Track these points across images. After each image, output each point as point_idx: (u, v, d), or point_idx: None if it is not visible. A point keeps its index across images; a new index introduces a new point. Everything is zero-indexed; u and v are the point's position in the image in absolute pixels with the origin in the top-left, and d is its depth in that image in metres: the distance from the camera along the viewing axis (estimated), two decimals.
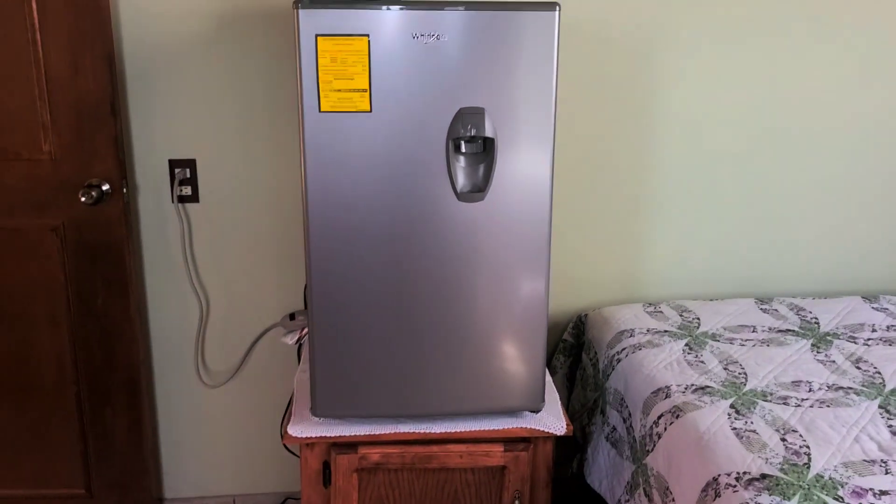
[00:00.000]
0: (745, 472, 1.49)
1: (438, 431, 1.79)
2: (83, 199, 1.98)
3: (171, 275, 2.25)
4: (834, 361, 1.95)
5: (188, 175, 2.18)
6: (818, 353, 2.00)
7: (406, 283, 1.71)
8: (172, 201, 2.19)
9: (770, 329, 2.14)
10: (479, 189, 1.66)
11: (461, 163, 1.65)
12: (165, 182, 2.18)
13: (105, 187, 2.03)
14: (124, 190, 2.07)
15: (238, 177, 2.19)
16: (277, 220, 2.24)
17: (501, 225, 1.69)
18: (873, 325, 2.16)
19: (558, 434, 1.81)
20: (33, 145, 2.00)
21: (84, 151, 2.01)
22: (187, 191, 2.19)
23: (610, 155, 2.27)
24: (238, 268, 2.27)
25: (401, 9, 1.55)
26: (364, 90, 1.58)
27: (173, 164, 2.17)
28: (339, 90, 1.58)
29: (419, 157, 1.63)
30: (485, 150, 1.65)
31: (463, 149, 1.65)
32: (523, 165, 1.66)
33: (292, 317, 2.24)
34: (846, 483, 1.45)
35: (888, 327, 2.14)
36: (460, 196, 1.66)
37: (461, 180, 1.66)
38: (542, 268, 1.73)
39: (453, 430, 1.79)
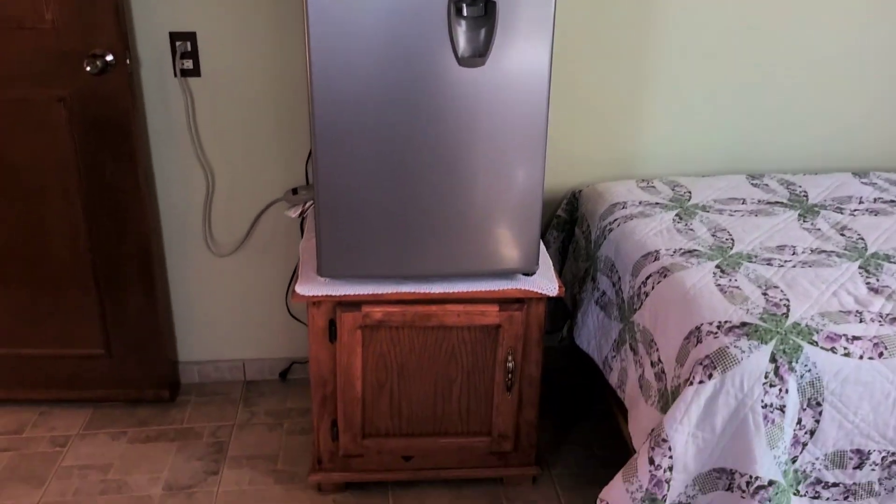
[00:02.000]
0: (726, 321, 1.59)
1: (437, 291, 1.88)
2: (88, 68, 2.01)
3: (177, 148, 2.30)
4: (819, 229, 2.02)
5: (189, 48, 2.20)
6: (804, 221, 2.07)
7: (408, 149, 1.76)
8: (175, 75, 2.22)
9: (759, 201, 2.21)
10: (480, 54, 1.69)
11: (462, 27, 1.67)
12: (167, 55, 2.20)
13: (109, 58, 2.06)
14: (128, 61, 2.09)
15: (238, 50, 2.21)
16: (279, 95, 2.27)
17: (502, 91, 1.73)
18: (860, 197, 2.23)
19: (551, 295, 1.90)
20: (35, 14, 2.01)
21: (85, 21, 2.03)
22: (189, 64, 2.22)
23: (607, 33, 2.28)
24: (241, 142, 2.31)
25: None
26: None
27: (174, 36, 2.18)
28: None
29: (421, 21, 1.65)
30: (486, 14, 1.67)
31: (465, 12, 1.67)
32: (524, 31, 1.68)
33: (295, 191, 2.30)
34: (821, 329, 1.55)
35: (875, 199, 2.21)
36: (461, 61, 1.69)
37: (462, 45, 1.68)
38: (539, 132, 1.77)
39: (451, 291, 1.88)
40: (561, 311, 2.41)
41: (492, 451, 2.05)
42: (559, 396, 2.52)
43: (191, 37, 2.19)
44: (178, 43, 2.19)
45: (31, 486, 2.11)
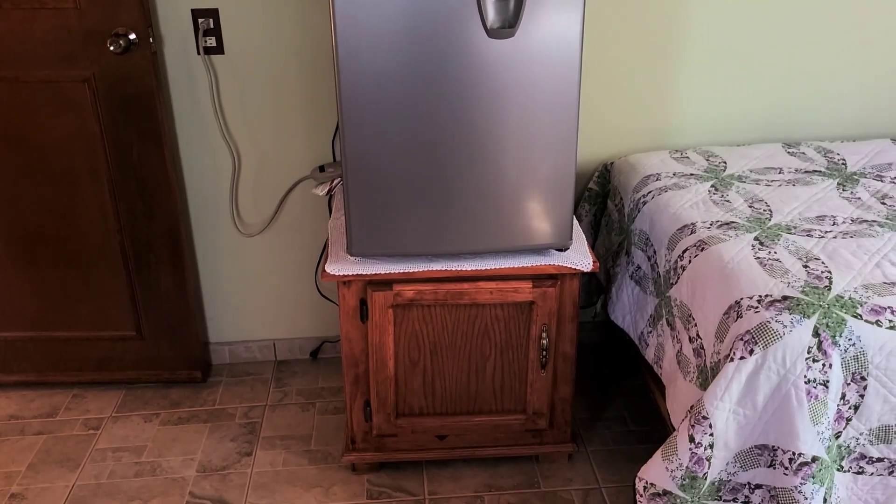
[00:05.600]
0: (766, 295, 1.55)
1: (469, 269, 1.85)
2: (111, 47, 1.99)
3: (202, 128, 2.28)
4: (859, 198, 1.97)
5: (212, 25, 2.17)
6: (844, 190, 2.01)
7: (436, 123, 1.72)
8: (198, 53, 2.19)
9: (797, 170, 2.15)
10: (509, 25, 1.64)
11: None
12: (190, 33, 2.17)
13: (132, 37, 2.03)
14: (150, 40, 2.07)
15: (262, 26, 2.18)
16: (303, 71, 2.24)
17: (532, 63, 1.68)
18: None
19: (585, 270, 1.86)
20: None
21: (108, 0, 2.00)
22: (212, 42, 2.19)
23: (638, 2, 2.22)
24: (267, 120, 2.29)
25: None
26: None
27: (196, 13, 2.15)
28: None
29: None
30: None
31: None
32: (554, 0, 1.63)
33: (322, 169, 2.28)
34: (865, 302, 1.50)
35: None
36: (490, 32, 1.65)
37: (491, 15, 1.64)
38: (571, 104, 1.73)
39: (483, 268, 1.85)
40: (594, 286, 2.37)
41: (526, 428, 2.03)
42: (593, 371, 2.50)
43: (213, 13, 2.16)
44: (200, 20, 2.16)
45: (66, 469, 2.13)
